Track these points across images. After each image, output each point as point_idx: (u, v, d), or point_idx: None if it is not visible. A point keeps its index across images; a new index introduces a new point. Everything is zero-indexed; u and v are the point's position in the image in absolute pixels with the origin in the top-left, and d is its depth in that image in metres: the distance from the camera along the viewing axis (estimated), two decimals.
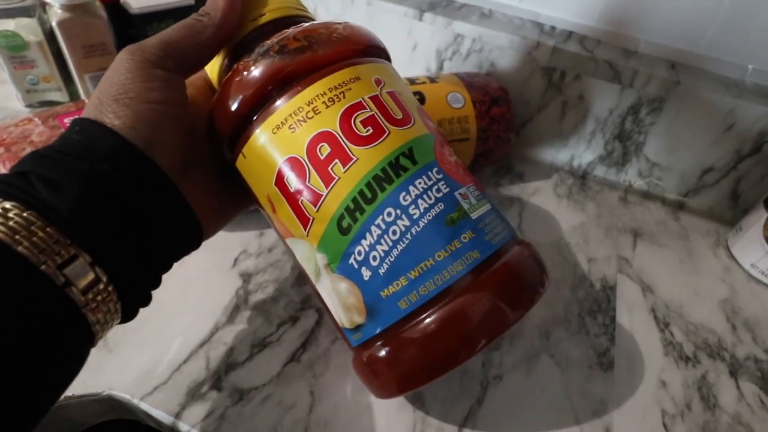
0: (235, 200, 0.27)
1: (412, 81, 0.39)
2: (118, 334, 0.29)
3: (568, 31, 0.45)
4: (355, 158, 0.22)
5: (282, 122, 0.23)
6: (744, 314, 0.36)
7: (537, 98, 0.45)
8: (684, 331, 0.34)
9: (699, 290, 0.38)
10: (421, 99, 0.37)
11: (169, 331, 0.30)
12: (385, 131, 0.23)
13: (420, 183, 0.23)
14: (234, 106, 0.23)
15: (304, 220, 0.23)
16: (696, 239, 0.42)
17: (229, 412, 0.26)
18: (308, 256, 0.24)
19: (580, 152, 0.47)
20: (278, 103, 0.23)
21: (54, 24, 0.42)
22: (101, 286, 0.19)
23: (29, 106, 0.46)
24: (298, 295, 0.33)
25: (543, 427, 0.28)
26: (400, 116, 0.24)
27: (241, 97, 0.23)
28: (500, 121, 0.40)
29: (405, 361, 0.22)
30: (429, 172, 0.23)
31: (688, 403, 0.30)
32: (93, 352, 0.28)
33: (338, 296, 0.23)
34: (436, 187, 0.23)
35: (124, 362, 0.28)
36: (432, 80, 0.39)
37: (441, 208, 0.22)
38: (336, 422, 0.26)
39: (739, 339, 0.35)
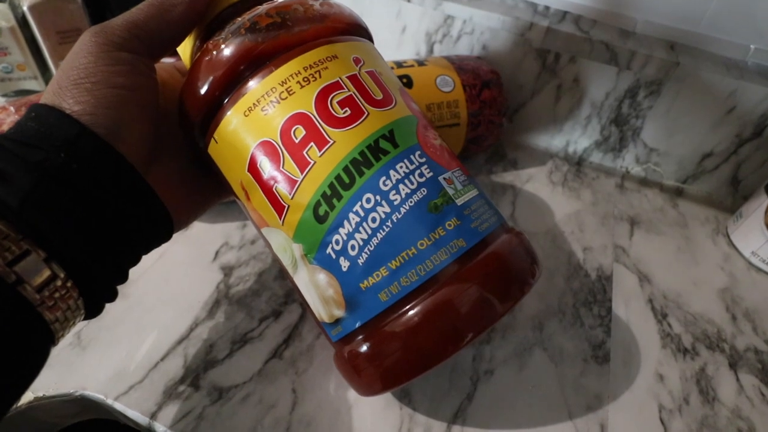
0: (209, 190, 0.26)
1: (399, 64, 0.37)
2: (92, 331, 0.28)
3: (563, 11, 0.43)
4: (331, 141, 0.21)
5: (254, 104, 0.21)
6: (744, 304, 0.35)
7: (530, 82, 0.44)
8: (682, 322, 0.33)
9: (698, 279, 0.36)
10: (409, 82, 0.36)
11: (146, 327, 0.28)
12: (364, 112, 0.21)
13: (401, 167, 0.21)
14: (203, 89, 0.22)
15: (279, 207, 0.22)
16: (695, 227, 0.41)
17: (207, 411, 0.25)
18: (284, 246, 0.22)
19: (576, 138, 0.46)
20: (250, 84, 0.21)
21: (26, 8, 0.40)
22: (59, 283, 0.18)
23: (4, 95, 0.44)
24: (282, 288, 0.31)
25: (535, 423, 0.27)
26: (380, 97, 0.22)
27: (210, 78, 0.22)
28: (492, 105, 0.38)
29: (388, 356, 0.21)
30: (411, 156, 0.22)
31: (686, 397, 0.29)
32: (65, 350, 0.27)
33: (316, 288, 0.22)
34: (418, 171, 0.21)
35: (98, 361, 0.27)
36: (420, 63, 0.37)
37: (424, 193, 0.21)
38: (319, 421, 0.25)
39: (739, 329, 0.33)
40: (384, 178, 0.21)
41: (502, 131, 0.41)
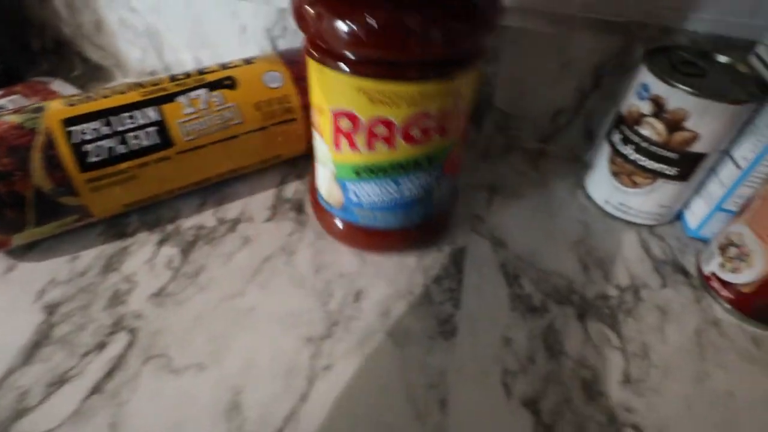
0: None
1: (224, 66, 0.36)
2: None
3: None
4: (396, 148, 0.27)
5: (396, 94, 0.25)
6: (597, 253, 0.36)
7: None
8: (534, 281, 0.33)
9: (553, 235, 0.37)
10: (233, 84, 0.34)
11: None
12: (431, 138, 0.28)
13: (421, 176, 0.29)
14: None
15: (336, 145, 0.28)
16: (555, 185, 0.41)
17: None
18: (325, 155, 0.30)
19: None
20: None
21: None
22: None
23: None
24: (110, 317, 0.30)
25: (372, 413, 0.26)
26: (449, 127, 0.28)
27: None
28: None
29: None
30: (432, 172, 0.30)
31: (531, 356, 0.29)
32: None
33: (329, 185, 0.31)
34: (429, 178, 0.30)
35: None
36: (248, 62, 0.36)
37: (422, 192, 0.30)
38: None
39: (590, 279, 0.34)
40: (408, 179, 0.29)
41: None
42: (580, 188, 0.41)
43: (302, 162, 0.41)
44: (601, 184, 0.39)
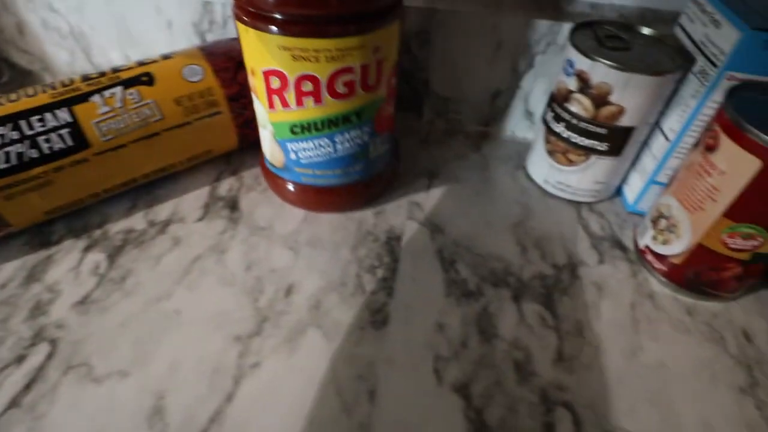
0: None
1: (141, 62, 0.34)
2: None
3: None
4: (324, 104, 0.29)
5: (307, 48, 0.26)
6: (536, 233, 0.35)
7: None
8: (470, 266, 0.33)
9: (493, 218, 0.36)
10: (150, 80, 0.33)
11: None
12: (355, 94, 0.29)
13: (353, 132, 0.31)
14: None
15: (270, 105, 0.30)
16: (496, 167, 0.41)
17: None
18: (263, 116, 0.31)
19: None
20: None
21: None
22: None
23: None
24: (31, 329, 0.28)
25: (299, 409, 0.25)
26: (372, 83, 0.29)
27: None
28: None
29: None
30: (363, 128, 0.31)
31: (464, 341, 0.29)
32: None
33: (270, 146, 0.33)
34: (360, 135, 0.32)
35: None
36: (166, 57, 0.35)
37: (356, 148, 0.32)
38: None
39: (528, 260, 0.33)
40: (341, 135, 0.31)
41: None
42: (521, 169, 0.41)
43: (237, 159, 0.40)
44: (540, 164, 0.38)
